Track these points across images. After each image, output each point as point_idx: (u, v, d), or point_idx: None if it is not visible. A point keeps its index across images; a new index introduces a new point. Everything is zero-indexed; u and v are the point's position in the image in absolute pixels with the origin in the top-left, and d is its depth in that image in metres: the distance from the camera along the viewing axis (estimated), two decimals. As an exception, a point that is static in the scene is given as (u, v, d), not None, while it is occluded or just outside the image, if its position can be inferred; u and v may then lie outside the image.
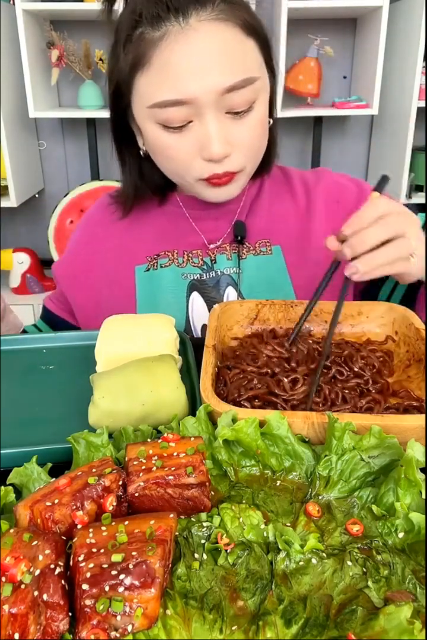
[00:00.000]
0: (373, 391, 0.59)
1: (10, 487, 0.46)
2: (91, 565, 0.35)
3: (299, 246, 0.85)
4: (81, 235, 0.93)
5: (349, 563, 0.39)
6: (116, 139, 0.80)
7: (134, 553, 0.35)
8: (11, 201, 2.08)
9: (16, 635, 0.32)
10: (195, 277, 0.85)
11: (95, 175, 2.30)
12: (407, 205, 0.86)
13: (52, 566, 0.35)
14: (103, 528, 0.38)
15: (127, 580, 0.34)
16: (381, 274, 0.59)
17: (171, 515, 0.39)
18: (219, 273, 0.85)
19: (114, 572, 0.34)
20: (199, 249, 0.86)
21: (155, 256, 0.86)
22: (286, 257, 0.84)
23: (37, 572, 0.34)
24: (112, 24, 0.72)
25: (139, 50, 0.66)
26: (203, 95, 0.64)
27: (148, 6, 0.65)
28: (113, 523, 0.38)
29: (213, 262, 0.85)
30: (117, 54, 0.70)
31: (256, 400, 0.57)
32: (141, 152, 0.78)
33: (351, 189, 0.87)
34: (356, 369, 0.61)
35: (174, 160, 0.72)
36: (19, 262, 2.25)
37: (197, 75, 0.64)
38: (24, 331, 0.97)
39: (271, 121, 0.78)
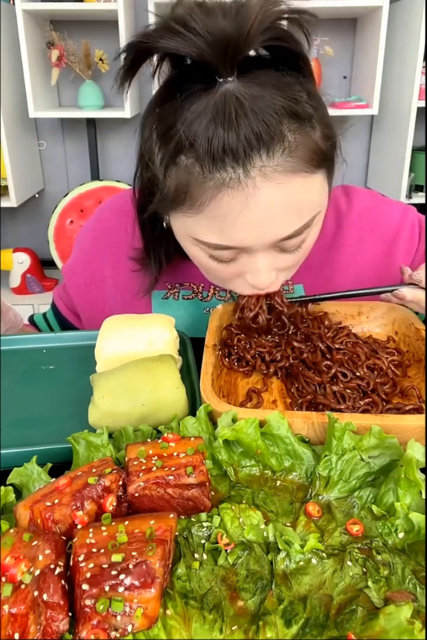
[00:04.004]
0: (380, 392, 0.59)
1: (10, 487, 0.46)
2: (91, 565, 0.35)
3: (320, 278, 0.81)
4: (95, 239, 0.87)
5: (349, 563, 0.39)
6: (141, 214, 0.70)
7: (134, 553, 0.35)
8: (11, 201, 2.08)
9: (16, 635, 0.32)
10: None
11: (95, 175, 2.30)
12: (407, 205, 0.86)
13: (52, 566, 0.35)
14: (103, 528, 0.38)
15: (127, 580, 0.34)
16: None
17: (171, 515, 0.39)
18: None
19: (114, 572, 0.34)
20: None
21: (177, 285, 0.83)
22: (307, 294, 0.80)
23: (37, 572, 0.34)
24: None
25: (187, 188, 0.55)
26: (256, 245, 0.58)
27: (204, 134, 0.51)
28: (113, 523, 0.38)
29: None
30: (153, 155, 0.58)
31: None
32: (164, 224, 0.67)
33: (388, 217, 0.81)
34: (364, 370, 0.61)
35: (215, 278, 0.67)
36: (19, 262, 2.25)
37: (253, 231, 0.56)
38: (32, 321, 0.96)
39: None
